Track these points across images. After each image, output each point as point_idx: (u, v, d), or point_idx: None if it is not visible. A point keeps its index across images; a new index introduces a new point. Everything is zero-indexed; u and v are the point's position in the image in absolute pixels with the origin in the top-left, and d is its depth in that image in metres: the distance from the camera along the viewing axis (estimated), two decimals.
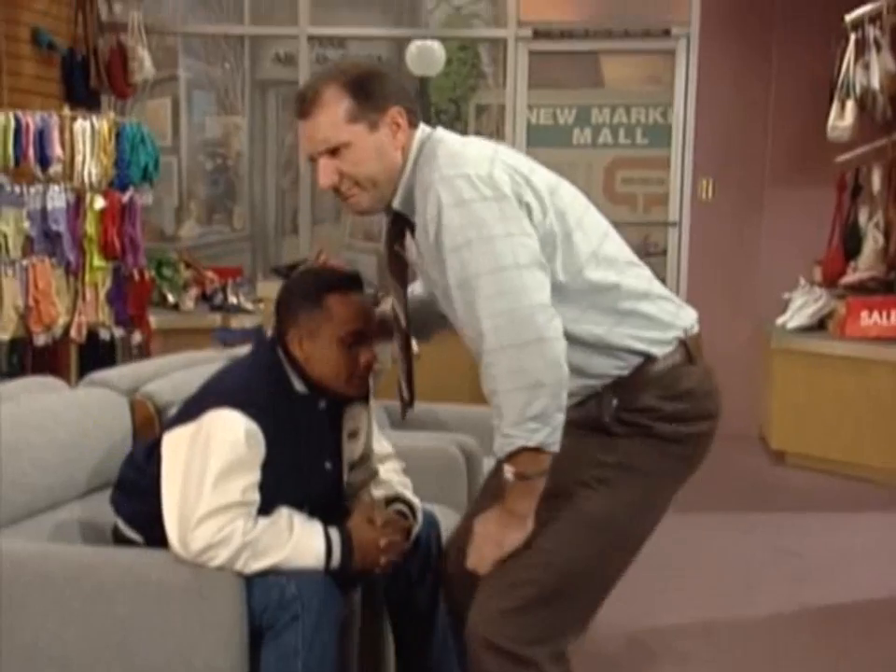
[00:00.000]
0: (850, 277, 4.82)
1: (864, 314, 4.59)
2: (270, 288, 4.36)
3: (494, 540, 1.65)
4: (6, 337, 4.23)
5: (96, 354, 4.49)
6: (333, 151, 1.67)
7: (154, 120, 7.22)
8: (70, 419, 2.15)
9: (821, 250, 5.07)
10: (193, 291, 5.34)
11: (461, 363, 5.42)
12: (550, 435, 1.56)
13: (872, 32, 4.57)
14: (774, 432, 4.89)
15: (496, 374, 1.57)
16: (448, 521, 2.59)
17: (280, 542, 1.76)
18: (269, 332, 1.97)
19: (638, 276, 1.71)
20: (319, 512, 1.87)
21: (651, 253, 7.41)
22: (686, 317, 1.75)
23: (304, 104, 1.67)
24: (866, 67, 4.57)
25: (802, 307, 4.90)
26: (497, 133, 6.93)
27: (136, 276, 4.57)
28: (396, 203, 1.71)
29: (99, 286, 4.46)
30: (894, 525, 3.95)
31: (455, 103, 7.81)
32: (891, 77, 4.60)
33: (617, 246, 1.72)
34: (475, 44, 7.68)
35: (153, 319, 4.91)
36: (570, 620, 1.71)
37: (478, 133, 7.46)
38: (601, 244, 1.68)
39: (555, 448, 1.58)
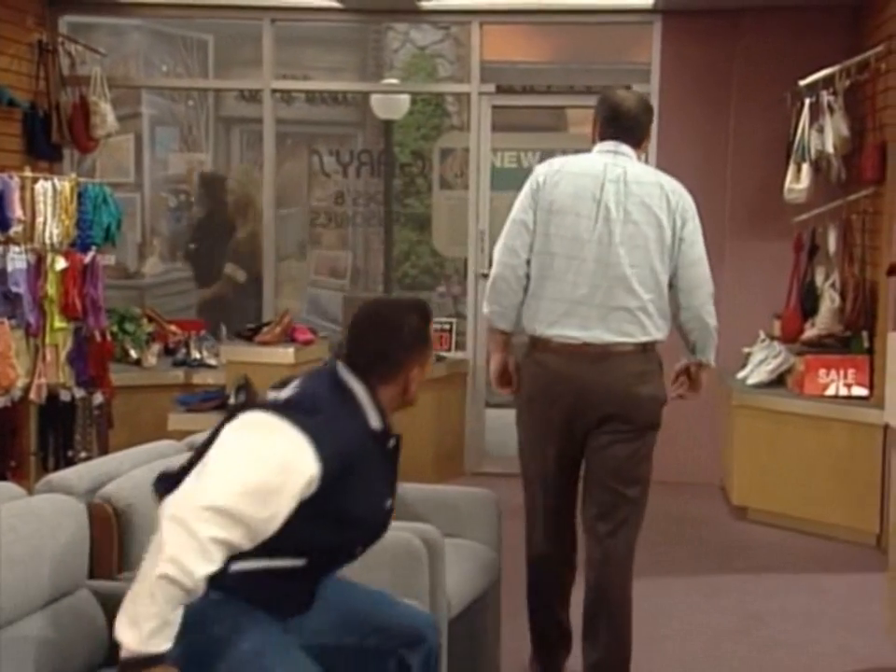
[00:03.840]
0: (808, 333, 4.91)
1: (822, 371, 4.68)
2: (234, 352, 4.36)
3: None
4: None
5: (56, 415, 4.46)
6: None
7: (117, 157, 7.22)
8: (27, 532, 2.14)
9: (781, 303, 5.15)
10: (156, 346, 5.32)
11: (425, 436, 5.52)
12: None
13: (825, 96, 4.68)
14: (735, 488, 4.96)
15: None
16: None
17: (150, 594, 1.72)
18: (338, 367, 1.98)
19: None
20: (367, 549, 2.02)
21: None
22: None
23: None
24: (820, 131, 4.67)
25: (761, 363, 4.98)
26: (461, 176, 7.01)
27: (97, 337, 4.54)
28: None
29: (59, 347, 4.42)
30: (857, 587, 4.00)
31: (420, 147, 7.86)
32: (844, 140, 4.72)
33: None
34: (440, 83, 7.77)
35: (114, 377, 4.87)
36: None
37: (442, 176, 7.53)
38: None
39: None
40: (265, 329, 4.42)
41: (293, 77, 6.89)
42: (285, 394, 1.96)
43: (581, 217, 2.78)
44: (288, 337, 4.43)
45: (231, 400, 4.16)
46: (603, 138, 2.90)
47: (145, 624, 1.73)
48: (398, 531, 2.77)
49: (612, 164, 2.83)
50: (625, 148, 2.85)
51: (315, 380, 2.02)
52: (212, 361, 5.15)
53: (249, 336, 4.40)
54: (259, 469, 1.80)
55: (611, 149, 2.86)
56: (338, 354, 2.06)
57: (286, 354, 4.22)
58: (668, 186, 2.84)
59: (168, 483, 1.92)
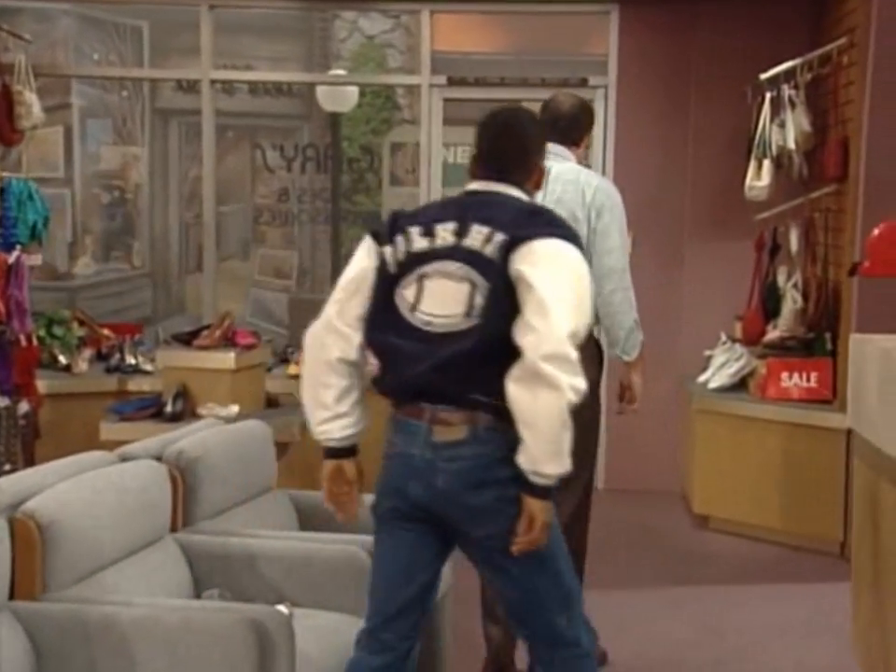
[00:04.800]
0: (770, 335, 4.98)
1: (784, 375, 4.75)
2: (171, 357, 4.31)
3: None
4: None
5: None
6: None
7: (44, 150, 7.12)
8: None
9: (743, 304, 5.23)
10: (87, 351, 5.24)
11: (376, 444, 5.49)
12: None
13: (787, 90, 4.75)
14: (696, 496, 5.02)
15: None
16: (356, 632, 2.59)
17: None
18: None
19: None
20: None
21: None
22: None
23: None
24: (782, 126, 4.74)
25: (723, 366, 5.04)
26: (412, 172, 7.01)
27: (23, 342, 4.47)
28: None
29: None
30: (818, 597, 4.07)
31: (369, 142, 7.85)
32: (806, 136, 4.79)
33: None
34: (389, 74, 7.76)
35: (42, 384, 4.80)
36: None
37: (392, 172, 7.53)
38: None
39: None
40: (204, 332, 4.38)
41: (234, 66, 6.83)
42: (506, 217, 2.24)
43: None
44: (229, 341, 4.39)
45: (169, 408, 4.13)
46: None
47: (566, 450, 2.13)
48: (343, 544, 2.78)
49: None
50: (559, 149, 3.16)
51: (506, 201, 2.31)
52: (148, 367, 5.08)
53: (187, 340, 4.35)
54: (576, 284, 2.19)
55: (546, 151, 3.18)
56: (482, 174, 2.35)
57: (226, 359, 4.18)
58: (585, 181, 3.13)
59: None
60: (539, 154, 2.41)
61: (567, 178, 3.11)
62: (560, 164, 3.12)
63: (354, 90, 7.49)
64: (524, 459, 2.12)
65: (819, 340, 4.82)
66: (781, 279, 4.96)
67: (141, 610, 2.34)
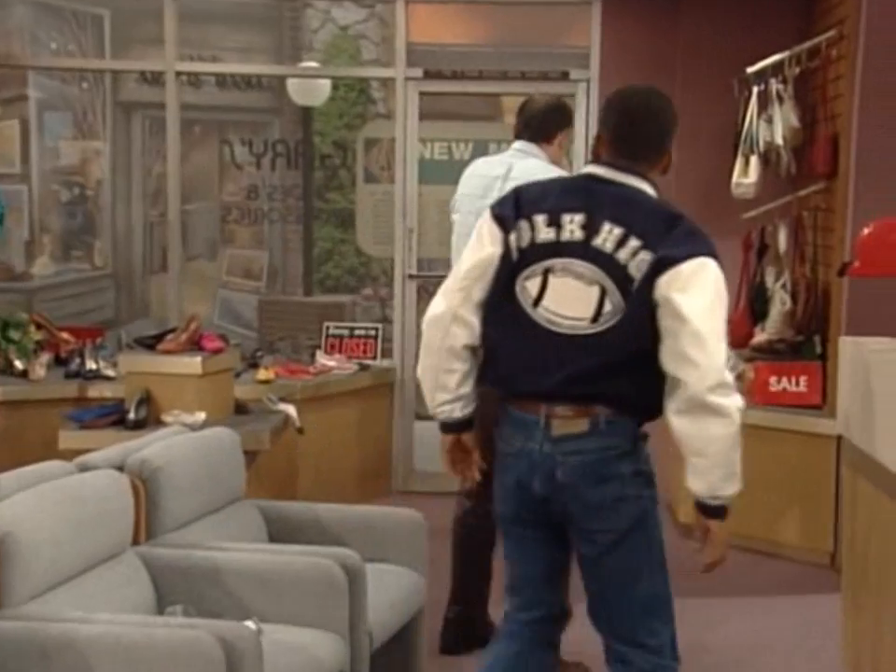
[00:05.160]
0: (758, 338, 5.02)
1: (773, 379, 4.78)
2: (134, 362, 4.29)
3: None
4: None
5: None
6: None
7: (0, 145, 7.08)
8: None
9: (730, 306, 5.24)
10: (45, 356, 5.20)
11: (348, 452, 5.51)
12: None
13: (774, 84, 4.79)
14: (682, 505, 5.03)
15: None
16: (329, 649, 2.60)
17: None
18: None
19: None
20: None
21: None
22: None
23: None
24: (769, 121, 4.78)
25: None
26: (387, 169, 7.01)
27: None
28: None
29: None
30: (809, 610, 4.09)
31: (342, 137, 7.85)
32: (795, 131, 4.83)
33: None
34: (363, 67, 7.77)
35: None
36: None
37: (366, 168, 7.53)
38: None
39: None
40: (169, 336, 4.35)
41: (200, 58, 6.82)
42: (642, 221, 2.29)
43: (470, 214, 3.35)
44: (195, 345, 4.37)
45: (131, 416, 4.10)
46: (517, 139, 3.55)
47: (739, 469, 2.30)
48: (314, 557, 2.78)
49: (499, 163, 3.51)
50: (527, 146, 3.45)
51: (638, 198, 2.36)
52: (109, 372, 5.05)
53: (151, 344, 4.33)
54: (720, 305, 2.31)
55: (515, 147, 3.52)
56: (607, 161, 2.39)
57: (192, 363, 4.16)
58: (543, 175, 3.20)
59: None
60: (672, 138, 2.48)
61: (530, 174, 3.14)
62: (522, 160, 3.39)
63: (326, 83, 7.48)
64: (699, 486, 2.31)
65: (808, 343, 4.86)
66: (769, 280, 4.99)
67: (101, 627, 2.33)
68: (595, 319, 2.26)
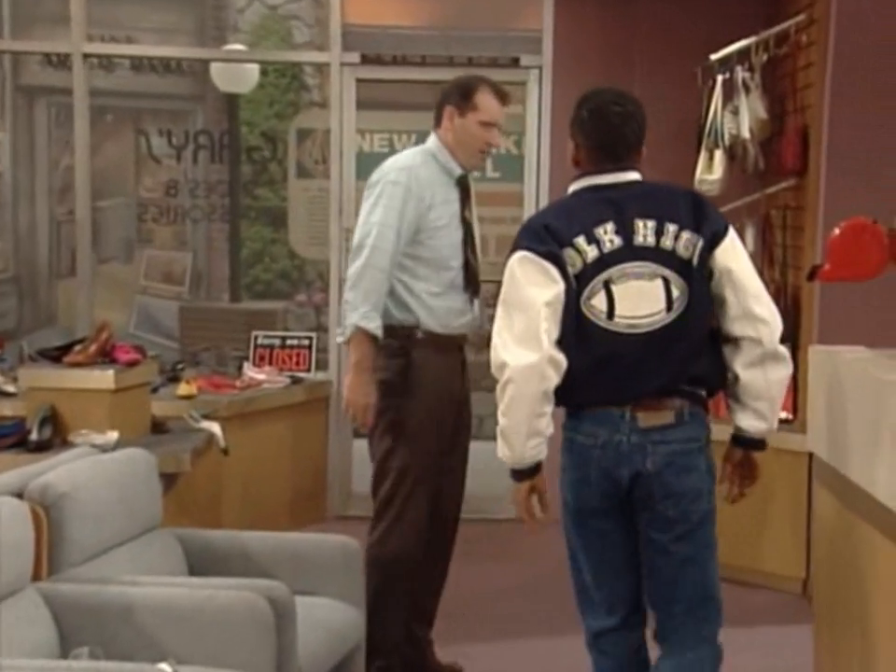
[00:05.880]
0: None
1: None
2: (36, 376, 4.23)
3: None
4: None
5: None
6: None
7: None
8: None
9: None
10: None
11: (280, 473, 5.47)
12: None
13: (740, 73, 4.86)
14: None
15: None
16: None
17: None
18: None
19: None
20: None
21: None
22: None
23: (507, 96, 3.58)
24: (735, 113, 4.84)
25: None
26: (322, 163, 7.00)
27: None
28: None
29: None
30: (778, 642, 4.13)
31: (272, 127, 7.82)
32: (762, 123, 4.90)
33: None
34: (295, 50, 7.75)
35: None
36: None
37: (299, 162, 7.51)
38: None
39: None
40: (77, 347, 4.30)
41: (113, 39, 6.77)
42: (673, 209, 2.68)
43: None
44: (108, 357, 4.32)
45: (34, 436, 4.04)
46: None
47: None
48: (238, 590, 2.76)
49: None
50: (430, 138, 3.59)
51: (655, 190, 2.74)
52: (9, 388, 4.98)
53: (57, 356, 4.28)
54: None
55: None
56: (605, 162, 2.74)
57: (103, 377, 4.11)
58: (387, 163, 3.52)
59: None
60: (645, 134, 2.81)
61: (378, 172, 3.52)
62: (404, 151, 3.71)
63: (254, 68, 7.46)
64: (761, 426, 2.78)
65: None
66: None
67: None
68: (669, 308, 2.63)
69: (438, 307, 3.48)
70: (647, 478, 2.66)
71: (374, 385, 3.41)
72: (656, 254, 2.62)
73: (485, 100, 3.51)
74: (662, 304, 2.63)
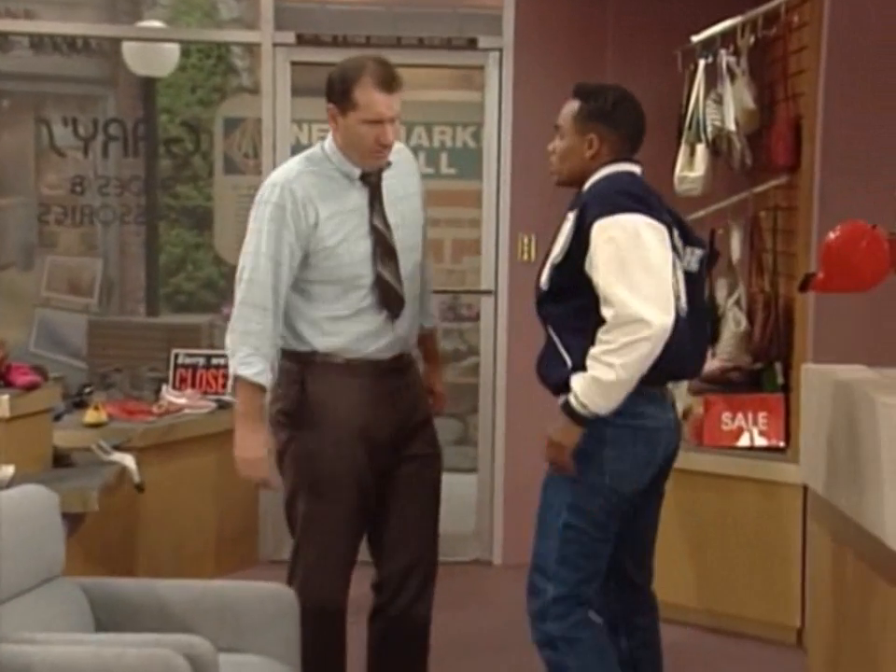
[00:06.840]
0: (708, 365, 5.09)
1: (726, 416, 4.87)
2: None
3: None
4: None
5: None
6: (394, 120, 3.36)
7: None
8: None
9: None
10: None
11: (205, 513, 5.42)
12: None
13: (725, 57, 4.89)
14: None
15: None
16: None
17: None
18: None
19: None
20: None
21: (463, 318, 7.61)
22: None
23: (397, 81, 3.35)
24: (719, 102, 4.86)
25: None
26: (253, 157, 6.99)
27: None
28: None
29: None
30: None
31: (196, 116, 7.80)
32: (750, 114, 4.93)
33: None
34: (221, 28, 7.74)
35: None
36: None
37: (227, 156, 7.48)
38: None
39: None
40: None
41: (9, 14, 6.71)
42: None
43: None
44: (2, 379, 4.30)
45: None
46: None
47: None
48: (151, 647, 2.74)
49: None
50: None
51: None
52: None
53: None
54: None
55: None
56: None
57: None
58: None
59: None
60: None
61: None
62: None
63: (174, 48, 7.44)
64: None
65: (767, 371, 4.96)
66: (720, 295, 5.07)
67: None
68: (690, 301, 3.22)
69: (345, 332, 3.39)
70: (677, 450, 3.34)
71: (266, 433, 3.44)
72: (690, 240, 3.30)
73: (366, 95, 3.28)
74: (685, 294, 3.18)
